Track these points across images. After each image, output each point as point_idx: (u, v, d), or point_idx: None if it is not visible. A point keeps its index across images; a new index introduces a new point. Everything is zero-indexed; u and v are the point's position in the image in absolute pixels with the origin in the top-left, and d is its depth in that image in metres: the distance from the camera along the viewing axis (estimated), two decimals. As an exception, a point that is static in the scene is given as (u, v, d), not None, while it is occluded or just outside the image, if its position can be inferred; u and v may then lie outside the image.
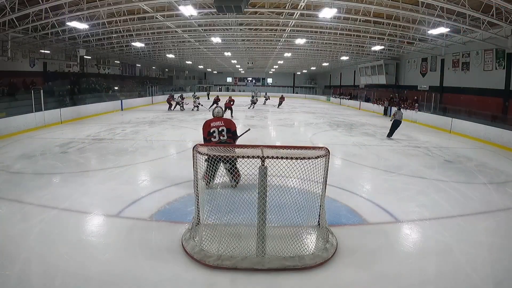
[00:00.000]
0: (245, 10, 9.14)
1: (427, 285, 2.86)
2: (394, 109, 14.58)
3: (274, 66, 35.39)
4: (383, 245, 3.52)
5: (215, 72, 43.39)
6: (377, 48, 17.23)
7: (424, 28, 12.22)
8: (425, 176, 6.31)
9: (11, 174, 5.78)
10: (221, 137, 4.87)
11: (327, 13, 10.44)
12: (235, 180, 4.43)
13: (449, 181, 5.97)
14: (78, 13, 11.07)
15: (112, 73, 26.86)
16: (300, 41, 16.00)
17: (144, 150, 7.99)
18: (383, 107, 20.04)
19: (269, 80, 45.38)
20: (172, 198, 4.66)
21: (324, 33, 15.29)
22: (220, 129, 4.90)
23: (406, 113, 17.21)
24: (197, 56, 26.25)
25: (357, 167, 6.99)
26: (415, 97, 18.19)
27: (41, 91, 11.61)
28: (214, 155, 3.19)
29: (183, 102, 18.94)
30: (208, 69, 41.48)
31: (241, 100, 27.01)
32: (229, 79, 45.53)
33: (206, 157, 3.36)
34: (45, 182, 5.33)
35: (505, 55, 12.39)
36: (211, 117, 5.14)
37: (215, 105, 13.89)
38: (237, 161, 3.78)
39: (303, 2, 10.64)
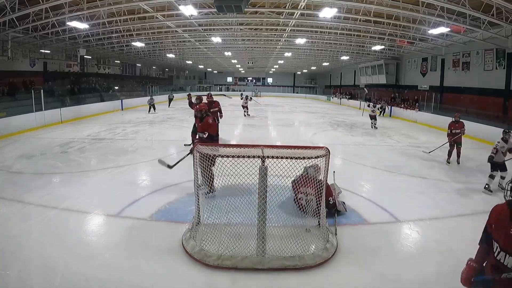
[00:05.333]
0: (245, 10, 9.12)
1: (427, 285, 2.86)
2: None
3: (275, 66, 35.37)
4: (383, 245, 3.52)
5: (216, 72, 43.36)
6: (378, 48, 17.22)
7: (424, 28, 12.20)
8: (425, 176, 6.31)
9: (11, 174, 5.79)
10: None
11: (328, 13, 10.44)
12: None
13: (449, 181, 5.97)
14: (78, 13, 11.06)
15: (112, 73, 26.86)
16: (301, 41, 15.99)
17: (144, 150, 7.99)
18: (380, 108, 19.20)
19: (270, 80, 45.36)
20: (172, 198, 4.66)
21: (324, 32, 15.26)
22: None
23: (407, 113, 17.29)
24: (197, 56, 26.23)
25: (357, 167, 6.99)
26: (416, 97, 18.17)
27: (41, 91, 11.62)
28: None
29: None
30: (208, 69, 41.45)
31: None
32: (229, 79, 45.51)
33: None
34: (45, 182, 5.34)
35: (506, 55, 12.38)
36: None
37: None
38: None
39: (304, 1, 10.62)
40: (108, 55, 23.93)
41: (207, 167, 3.82)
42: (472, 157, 8.24)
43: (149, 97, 17.83)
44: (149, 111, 17.05)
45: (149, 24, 13.92)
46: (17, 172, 5.94)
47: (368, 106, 13.58)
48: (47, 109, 11.79)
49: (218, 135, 5.52)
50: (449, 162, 7.37)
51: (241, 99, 16.73)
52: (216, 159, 4.08)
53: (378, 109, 14.57)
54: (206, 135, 4.98)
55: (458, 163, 7.36)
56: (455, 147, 7.39)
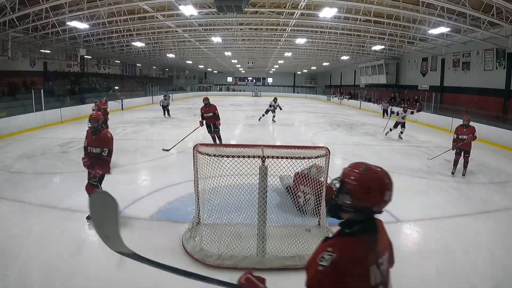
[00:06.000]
0: (245, 9, 9.13)
1: (427, 285, 2.86)
2: (398, 110, 10.77)
3: (275, 66, 35.37)
4: (383, 245, 3.51)
5: (216, 71, 43.37)
6: (378, 47, 17.21)
7: (424, 28, 12.20)
8: (425, 176, 6.30)
9: (11, 174, 5.79)
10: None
11: (328, 12, 10.44)
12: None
13: (449, 181, 5.97)
14: (79, 13, 11.07)
15: (112, 72, 26.87)
16: (301, 40, 16.00)
17: (144, 150, 7.99)
18: (382, 109, 18.64)
19: (270, 80, 45.37)
20: (172, 198, 4.67)
21: (324, 32, 15.27)
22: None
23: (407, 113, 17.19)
24: (197, 55, 26.23)
25: (357, 167, 6.97)
26: (416, 97, 18.17)
27: (42, 90, 11.63)
28: None
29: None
30: (208, 69, 41.45)
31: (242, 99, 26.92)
32: (229, 79, 45.53)
33: None
34: (45, 182, 5.34)
35: (506, 55, 12.38)
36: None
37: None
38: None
39: (304, 1, 10.62)
40: (108, 55, 23.94)
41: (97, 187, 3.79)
42: (472, 157, 8.21)
43: (162, 98, 15.69)
44: (165, 113, 15.10)
45: (149, 24, 13.92)
46: (17, 172, 5.94)
47: (397, 114, 10.92)
48: (47, 109, 11.79)
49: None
50: (453, 173, 6.31)
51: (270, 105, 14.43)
52: (103, 180, 3.98)
53: (410, 113, 10.95)
54: (106, 152, 4.04)
55: (464, 175, 6.23)
56: (461, 156, 6.24)
